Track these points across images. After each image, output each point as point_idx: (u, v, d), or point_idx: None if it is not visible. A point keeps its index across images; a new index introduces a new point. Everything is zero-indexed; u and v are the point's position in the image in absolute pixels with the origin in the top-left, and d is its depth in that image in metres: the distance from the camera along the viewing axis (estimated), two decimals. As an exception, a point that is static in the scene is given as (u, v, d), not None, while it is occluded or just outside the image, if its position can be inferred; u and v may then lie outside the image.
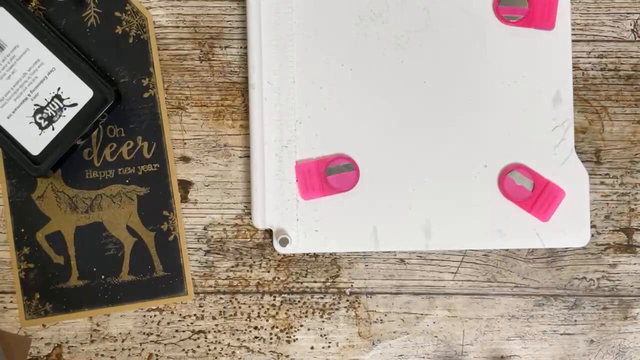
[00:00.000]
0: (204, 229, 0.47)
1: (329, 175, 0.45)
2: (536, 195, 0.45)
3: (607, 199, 0.47)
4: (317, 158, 0.46)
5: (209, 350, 0.47)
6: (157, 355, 0.47)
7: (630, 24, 0.48)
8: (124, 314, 0.47)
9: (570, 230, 0.46)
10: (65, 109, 0.45)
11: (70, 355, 0.47)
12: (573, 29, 0.47)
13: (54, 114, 0.45)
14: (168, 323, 0.47)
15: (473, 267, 0.47)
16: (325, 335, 0.47)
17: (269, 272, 0.47)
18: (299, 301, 0.47)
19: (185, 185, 0.47)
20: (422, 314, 0.47)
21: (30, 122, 0.45)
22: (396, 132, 0.46)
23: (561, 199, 0.45)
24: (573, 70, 0.47)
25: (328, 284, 0.47)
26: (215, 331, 0.47)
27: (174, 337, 0.47)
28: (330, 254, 0.47)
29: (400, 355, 0.47)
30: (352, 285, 0.47)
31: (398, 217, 0.46)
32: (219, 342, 0.47)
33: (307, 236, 0.46)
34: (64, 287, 0.47)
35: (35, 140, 0.45)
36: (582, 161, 0.47)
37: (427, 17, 0.46)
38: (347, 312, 0.47)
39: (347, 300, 0.47)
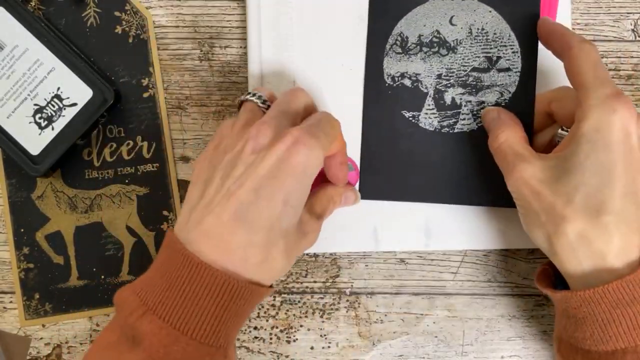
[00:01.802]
0: (204, 229, 0.47)
1: None
2: None
3: (607, 199, 0.47)
4: None
5: (209, 350, 0.47)
6: (156, 355, 0.47)
7: (631, 24, 0.48)
8: (124, 314, 0.47)
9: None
10: (64, 108, 0.45)
11: (69, 355, 0.47)
12: (573, 29, 0.47)
13: (54, 113, 0.45)
14: (168, 323, 0.47)
15: (473, 267, 0.47)
16: (325, 335, 0.47)
17: (268, 272, 0.47)
18: (299, 301, 0.47)
19: (185, 185, 0.47)
20: (422, 314, 0.47)
21: (30, 122, 0.45)
22: (396, 132, 0.46)
23: None
24: (573, 70, 0.47)
25: (328, 284, 0.47)
26: (215, 331, 0.47)
27: (173, 337, 0.47)
28: (330, 254, 0.47)
29: (400, 356, 0.47)
30: (352, 286, 0.47)
31: (398, 217, 0.46)
32: (219, 342, 0.47)
33: (307, 236, 0.46)
34: (63, 287, 0.47)
35: (34, 140, 0.45)
36: (583, 161, 0.46)
37: (427, 16, 0.46)
38: (347, 312, 0.47)
39: (347, 301, 0.47)
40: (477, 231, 0.46)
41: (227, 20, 0.48)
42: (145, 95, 0.47)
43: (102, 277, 0.47)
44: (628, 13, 0.48)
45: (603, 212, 0.36)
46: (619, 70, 0.48)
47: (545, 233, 0.38)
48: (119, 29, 0.47)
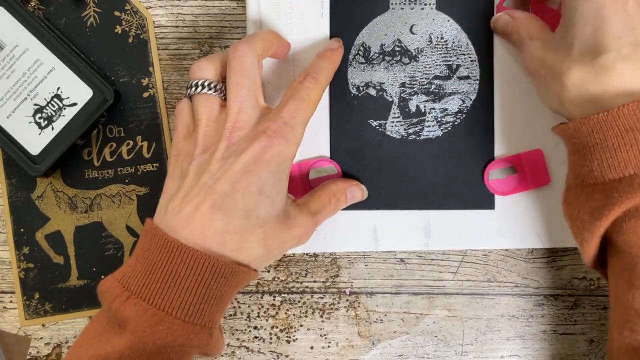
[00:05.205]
0: (204, 229, 0.47)
1: (312, 177, 0.45)
2: (523, 172, 0.45)
3: (607, 199, 0.47)
4: (298, 161, 0.45)
5: (209, 350, 0.47)
6: (156, 355, 0.47)
7: (631, 24, 0.48)
8: (124, 314, 0.47)
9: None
10: (65, 108, 0.45)
11: (70, 356, 0.47)
12: (573, 29, 0.47)
13: (54, 113, 0.45)
14: (168, 323, 0.47)
15: (473, 267, 0.47)
16: (325, 335, 0.47)
17: (269, 272, 0.47)
18: (299, 301, 0.47)
19: (185, 185, 0.47)
20: (422, 314, 0.47)
21: (30, 122, 0.45)
22: (396, 132, 0.46)
23: (543, 157, 0.45)
24: (573, 70, 0.47)
25: (328, 284, 0.47)
26: (215, 331, 0.47)
27: (173, 337, 0.47)
28: (330, 254, 0.47)
29: (401, 356, 0.47)
30: (352, 285, 0.47)
31: (398, 217, 0.46)
32: (219, 342, 0.47)
33: (307, 236, 0.46)
34: (63, 287, 0.47)
35: (35, 140, 0.45)
36: (582, 161, 0.46)
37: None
38: (347, 312, 0.47)
39: (347, 301, 0.47)
40: (477, 231, 0.46)
41: (227, 21, 0.48)
42: (145, 95, 0.47)
43: (102, 277, 0.47)
44: (628, 13, 0.48)
45: (599, 54, 0.36)
46: (619, 70, 0.48)
47: (555, 95, 0.38)
48: (119, 29, 0.47)
